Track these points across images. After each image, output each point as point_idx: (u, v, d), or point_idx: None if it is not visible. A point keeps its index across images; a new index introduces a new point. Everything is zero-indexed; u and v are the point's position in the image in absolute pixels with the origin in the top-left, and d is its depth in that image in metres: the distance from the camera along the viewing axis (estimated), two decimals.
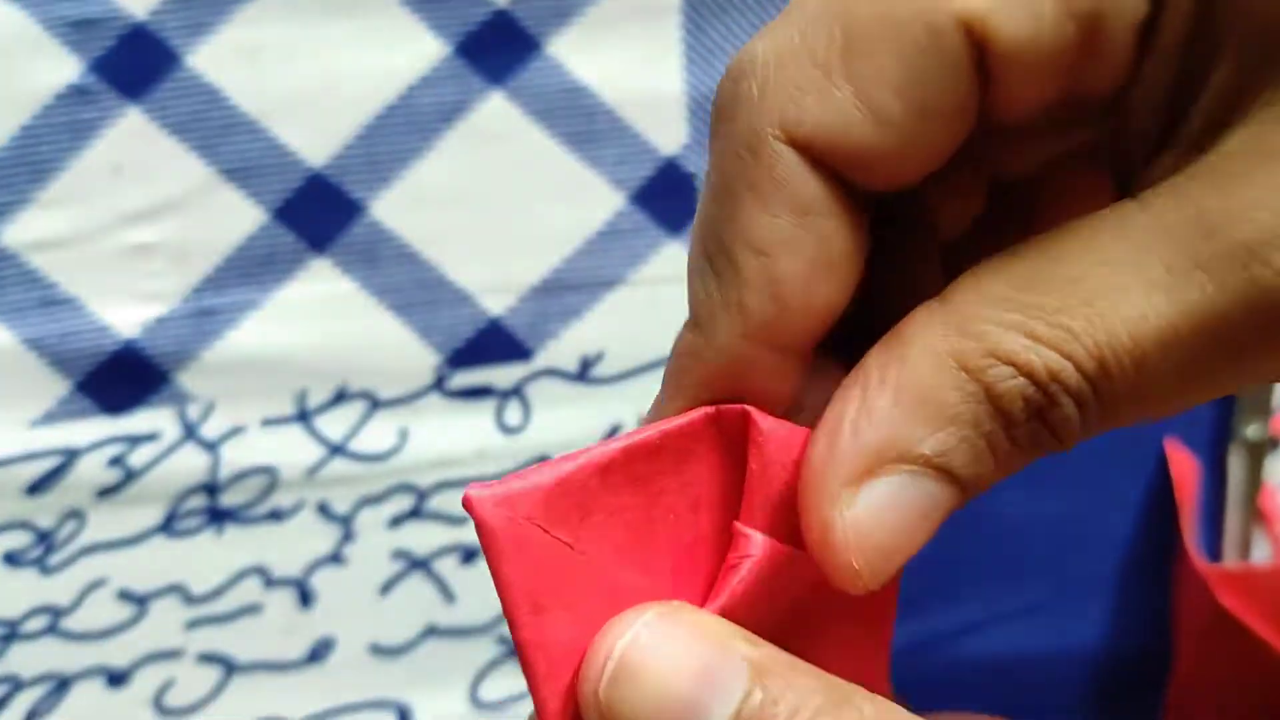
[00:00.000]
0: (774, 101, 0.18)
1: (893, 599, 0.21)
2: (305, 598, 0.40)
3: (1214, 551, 0.44)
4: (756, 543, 0.18)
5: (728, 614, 0.18)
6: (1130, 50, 0.18)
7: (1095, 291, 0.17)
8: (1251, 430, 0.44)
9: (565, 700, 0.18)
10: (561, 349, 0.41)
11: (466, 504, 0.17)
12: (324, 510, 0.40)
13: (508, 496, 0.17)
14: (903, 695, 0.19)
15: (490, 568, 0.17)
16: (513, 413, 0.40)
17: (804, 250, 0.18)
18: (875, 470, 0.18)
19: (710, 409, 0.19)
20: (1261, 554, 0.44)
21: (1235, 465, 0.44)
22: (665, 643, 0.18)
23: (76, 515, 0.39)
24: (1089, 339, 0.17)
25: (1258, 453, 0.44)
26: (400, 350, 0.40)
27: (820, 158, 0.18)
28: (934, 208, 0.21)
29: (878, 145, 0.18)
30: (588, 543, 0.18)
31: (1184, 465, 0.43)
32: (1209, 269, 0.17)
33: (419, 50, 0.40)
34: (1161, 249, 0.17)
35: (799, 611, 0.20)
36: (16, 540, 0.39)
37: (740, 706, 0.17)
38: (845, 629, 0.20)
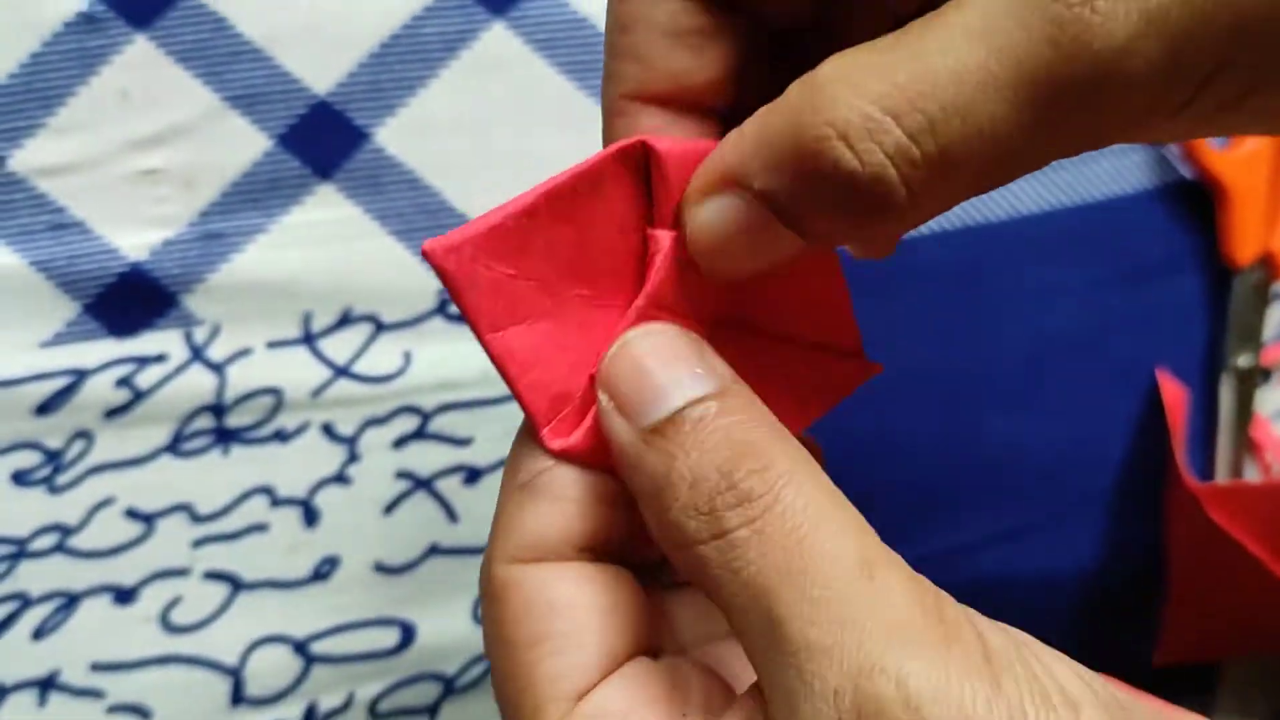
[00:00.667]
0: None
1: (830, 273, 0.25)
2: (310, 517, 0.40)
3: (1205, 479, 0.45)
4: (664, 238, 0.22)
5: (655, 301, 0.22)
6: None
7: (927, 49, 0.18)
8: (1242, 360, 0.45)
9: (539, 391, 0.22)
10: None
11: (425, 253, 0.21)
12: (329, 431, 0.40)
13: (453, 244, 0.22)
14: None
15: (454, 302, 0.22)
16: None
17: (656, 22, 0.22)
18: (719, 188, 0.21)
19: (612, 147, 0.23)
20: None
21: (1226, 395, 0.45)
22: (660, 340, 0.22)
23: (84, 435, 0.39)
24: (913, 90, 0.18)
25: (1248, 383, 0.45)
26: (404, 274, 0.41)
27: None
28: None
29: None
30: (530, 270, 0.22)
31: (1175, 393, 0.44)
32: (1017, 15, 0.18)
33: None
34: (983, 6, 0.18)
35: (735, 289, 0.23)
36: (25, 460, 0.39)
37: (690, 403, 0.20)
38: (786, 295, 0.24)
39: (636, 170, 0.23)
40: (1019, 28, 0.18)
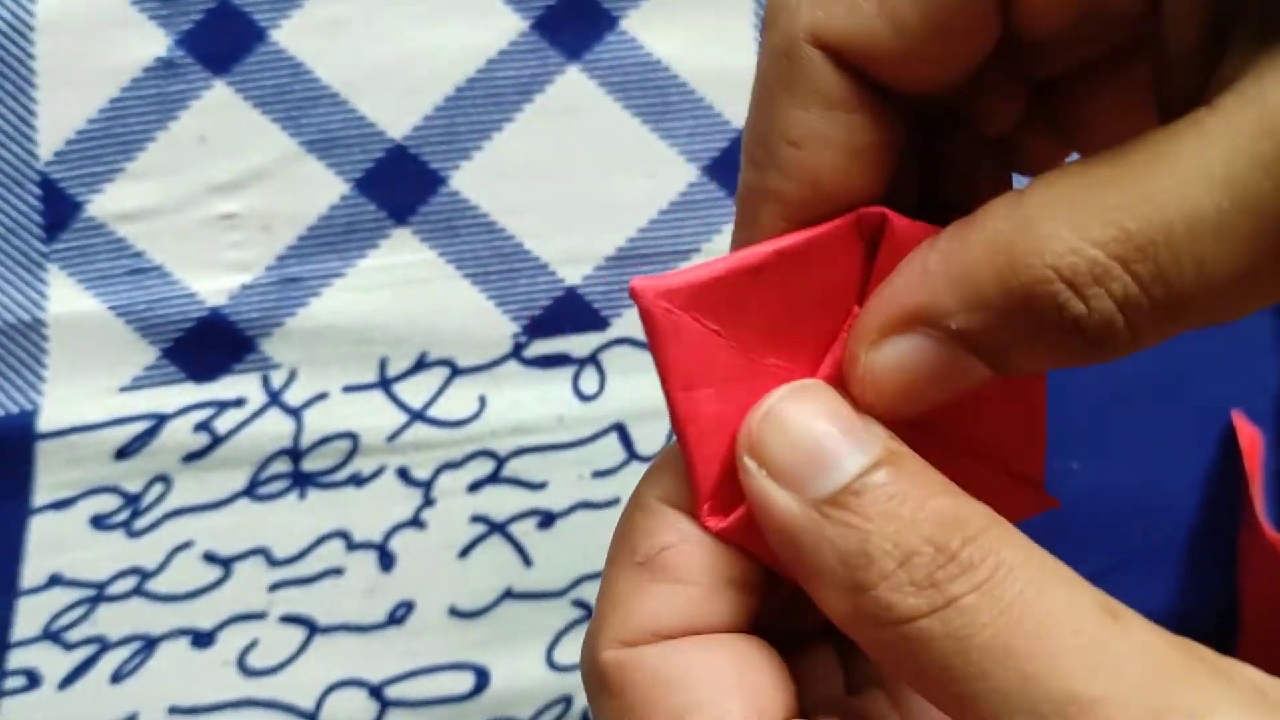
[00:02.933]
0: (807, 11, 0.20)
1: (1036, 403, 0.24)
2: (386, 561, 0.40)
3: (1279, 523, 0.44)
4: None
5: (836, 378, 0.21)
6: None
7: (1159, 191, 0.17)
8: None
9: (713, 463, 0.20)
10: (636, 318, 0.41)
11: (633, 293, 0.20)
12: (404, 475, 0.40)
13: (668, 289, 0.20)
14: None
15: (651, 350, 0.20)
16: (589, 380, 0.41)
17: (832, 141, 0.20)
18: (904, 327, 0.19)
19: (851, 214, 0.21)
20: None
21: None
22: (816, 402, 0.20)
23: (163, 479, 0.39)
24: (1143, 237, 0.17)
25: None
26: (479, 319, 0.41)
27: (846, 60, 0.20)
28: (976, 108, 0.23)
29: (897, 52, 0.19)
30: (736, 331, 0.21)
31: (1251, 436, 0.43)
32: (1268, 164, 0.17)
33: (498, 25, 0.41)
34: (1224, 147, 0.17)
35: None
36: (104, 504, 0.39)
37: (865, 470, 0.19)
38: (977, 409, 0.22)
39: (867, 242, 0.21)
40: (1270, 181, 0.17)
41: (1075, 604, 0.18)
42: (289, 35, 0.40)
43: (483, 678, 0.40)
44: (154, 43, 0.40)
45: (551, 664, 0.41)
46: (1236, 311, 0.18)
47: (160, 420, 0.39)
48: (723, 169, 0.42)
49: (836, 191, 0.20)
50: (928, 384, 0.20)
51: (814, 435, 0.19)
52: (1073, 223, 0.18)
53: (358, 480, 0.40)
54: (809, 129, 0.20)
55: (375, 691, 0.40)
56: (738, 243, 0.22)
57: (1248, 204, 0.17)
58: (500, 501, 0.41)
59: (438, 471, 0.40)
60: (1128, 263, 0.17)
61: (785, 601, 0.22)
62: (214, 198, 0.40)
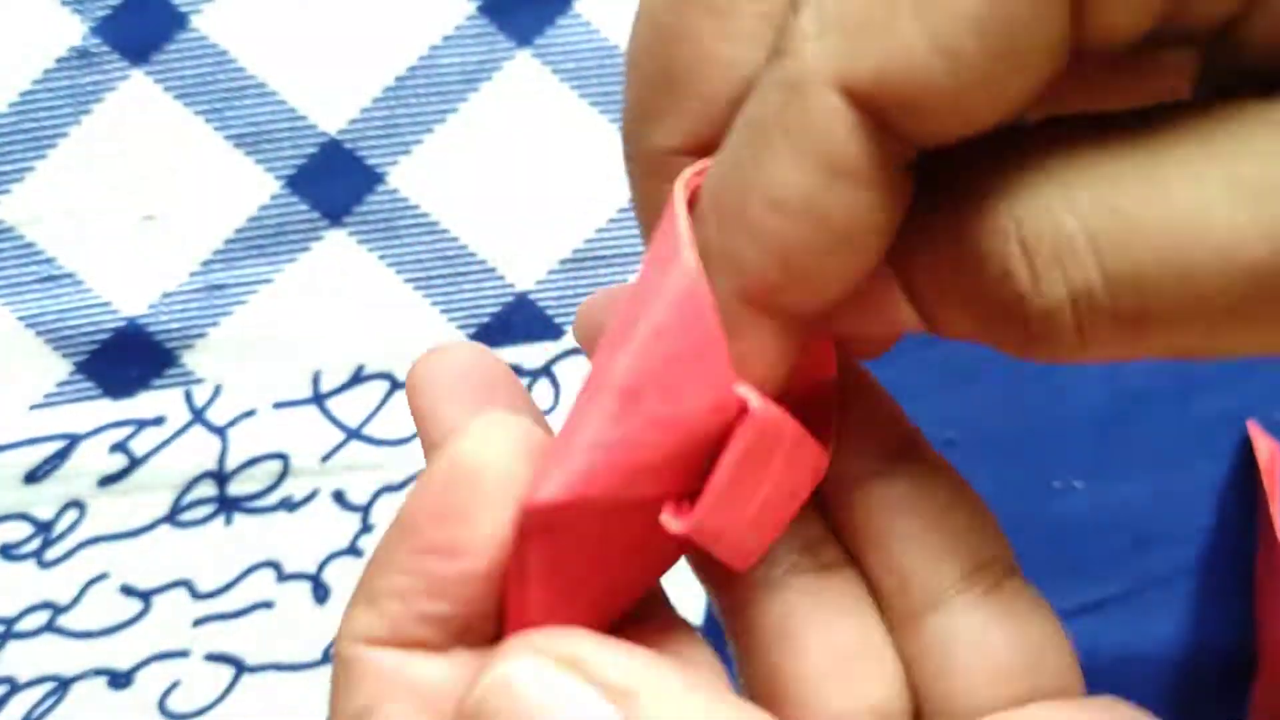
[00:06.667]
0: (832, 41, 0.15)
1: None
2: (320, 593, 0.38)
3: None
4: None
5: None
6: None
7: (1165, 178, 0.15)
8: None
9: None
10: None
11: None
12: (340, 499, 0.38)
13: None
14: None
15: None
16: (542, 394, 0.39)
17: (825, 215, 0.16)
18: None
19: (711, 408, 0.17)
20: None
21: None
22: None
23: (77, 505, 0.37)
24: (1130, 224, 0.14)
25: None
26: (421, 328, 0.38)
27: (877, 110, 0.15)
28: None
29: (948, 91, 0.15)
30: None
31: (1268, 448, 0.41)
32: None
33: (442, 8, 0.39)
34: (1268, 151, 0.14)
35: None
36: (13, 532, 0.37)
37: None
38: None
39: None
40: None
41: None
42: (212, 21, 0.38)
43: None
44: (69, 31, 0.38)
45: None
46: (1226, 348, 0.15)
47: (73, 441, 0.37)
48: None
49: (805, 275, 0.16)
50: (860, 304, 0.17)
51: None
52: (1061, 178, 0.15)
53: (289, 505, 0.38)
54: (799, 193, 0.16)
55: None
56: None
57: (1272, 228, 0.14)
58: None
59: (377, 494, 0.38)
60: (1102, 251, 0.15)
61: None
62: (132, 198, 0.38)
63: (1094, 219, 0.14)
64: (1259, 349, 0.15)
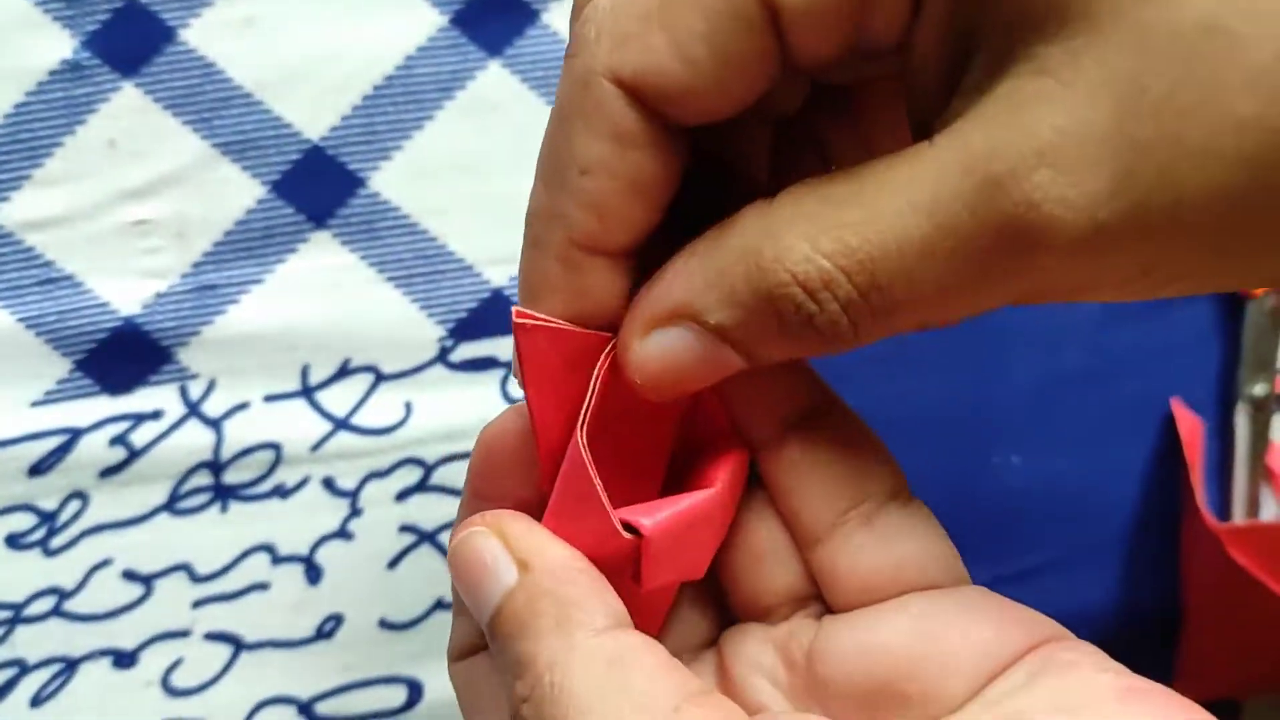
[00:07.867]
0: (605, 45, 0.21)
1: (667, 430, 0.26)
2: (313, 574, 0.39)
3: (1221, 511, 0.44)
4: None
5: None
6: (903, 8, 0.21)
7: (879, 214, 0.20)
8: (1257, 389, 0.44)
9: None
10: None
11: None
12: (330, 485, 0.39)
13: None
14: None
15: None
16: (515, 383, 0.40)
17: (620, 172, 0.21)
18: (668, 321, 0.22)
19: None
20: (1270, 513, 0.44)
21: (1241, 424, 0.44)
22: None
23: (79, 496, 0.38)
24: (864, 253, 0.20)
25: (1264, 411, 0.44)
26: (403, 323, 0.40)
27: (639, 95, 0.21)
28: (746, 136, 0.25)
29: (689, 87, 0.21)
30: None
31: (1191, 425, 0.43)
32: (965, 198, 0.19)
33: (416, 21, 0.40)
34: (934, 180, 0.20)
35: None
36: (19, 522, 0.38)
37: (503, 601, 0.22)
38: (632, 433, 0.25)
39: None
40: (967, 212, 0.19)
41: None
42: (199, 35, 0.39)
43: (415, 691, 0.40)
44: (60, 45, 0.38)
45: None
46: (944, 318, 0.21)
47: (75, 435, 0.38)
48: None
49: (616, 218, 0.22)
50: (690, 371, 0.22)
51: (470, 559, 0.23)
52: (808, 235, 0.21)
53: (281, 492, 0.39)
54: (599, 159, 0.21)
55: (304, 708, 0.39)
56: (525, 265, 0.24)
57: (948, 231, 0.20)
58: (429, 510, 0.40)
59: (364, 481, 0.40)
60: (850, 273, 0.20)
61: None
62: (125, 204, 0.39)
63: (839, 258, 0.20)
64: (971, 310, 0.21)
